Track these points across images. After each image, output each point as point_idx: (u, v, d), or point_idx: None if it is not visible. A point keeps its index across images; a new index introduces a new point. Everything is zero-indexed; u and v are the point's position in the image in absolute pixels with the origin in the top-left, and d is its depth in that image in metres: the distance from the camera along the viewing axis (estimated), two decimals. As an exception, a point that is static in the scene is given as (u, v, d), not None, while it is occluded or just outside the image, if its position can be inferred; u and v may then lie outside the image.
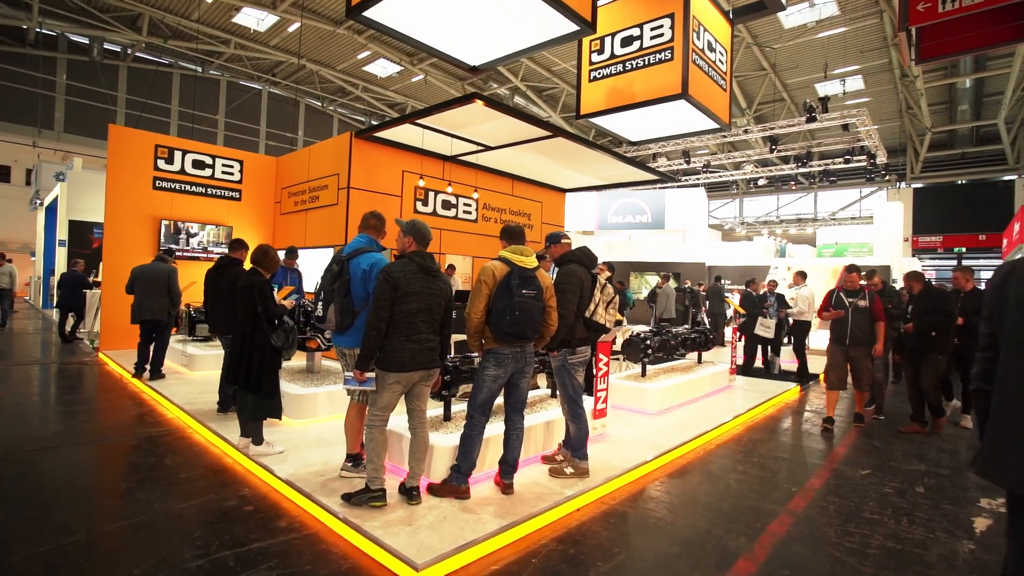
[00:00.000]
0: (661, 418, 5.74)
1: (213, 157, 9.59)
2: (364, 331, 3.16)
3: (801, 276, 8.94)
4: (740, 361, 8.83)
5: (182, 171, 9.21)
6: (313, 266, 8.54)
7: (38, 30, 19.13)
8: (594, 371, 4.82)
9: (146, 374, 6.73)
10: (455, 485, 3.47)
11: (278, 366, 4.22)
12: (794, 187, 20.16)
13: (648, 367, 6.56)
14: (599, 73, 8.75)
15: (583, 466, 3.93)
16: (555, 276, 4.00)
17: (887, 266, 16.14)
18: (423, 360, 3.28)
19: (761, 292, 9.10)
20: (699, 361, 7.68)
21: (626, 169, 10.66)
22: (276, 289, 4.94)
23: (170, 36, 21.05)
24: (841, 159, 19.10)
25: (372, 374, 3.26)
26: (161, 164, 9.00)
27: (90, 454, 4.37)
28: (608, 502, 3.70)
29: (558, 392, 4.03)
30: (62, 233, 13.51)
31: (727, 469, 4.43)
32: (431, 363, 3.34)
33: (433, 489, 3.52)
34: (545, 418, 4.47)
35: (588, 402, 4.88)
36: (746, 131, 16.87)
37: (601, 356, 4.79)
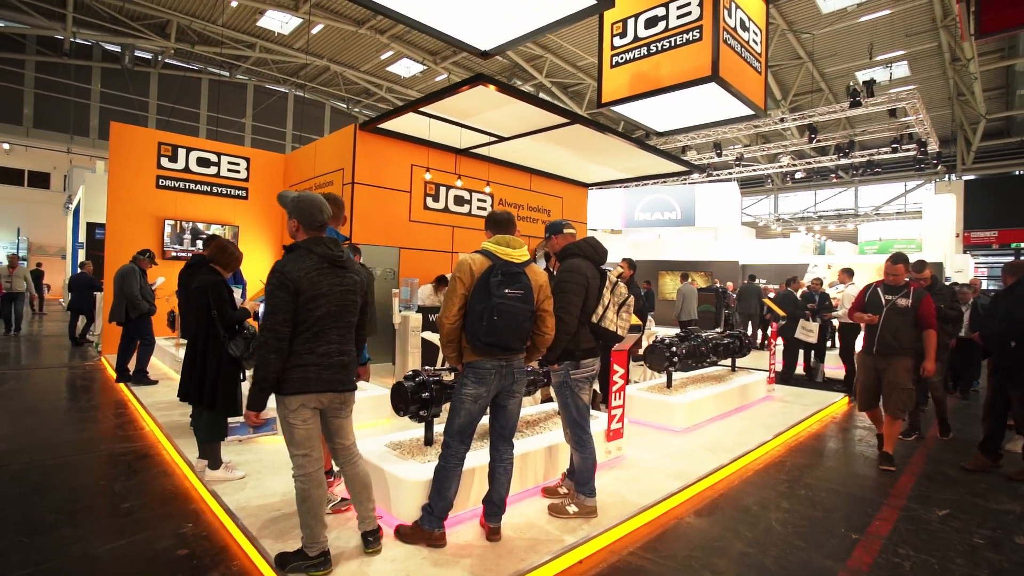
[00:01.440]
0: (688, 437, 4.94)
1: (218, 155, 9.18)
2: (258, 356, 2.36)
3: (847, 274, 7.96)
4: (779, 368, 7.91)
5: (186, 169, 8.82)
6: None
7: (73, 40, 19.35)
8: (608, 384, 4.07)
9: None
10: (426, 530, 2.78)
11: (237, 379, 3.61)
12: (835, 180, 18.76)
13: (675, 375, 5.76)
14: (622, 58, 8.00)
15: (589, 504, 3.20)
16: (555, 273, 3.28)
17: (939, 263, 14.80)
18: (332, 379, 2.45)
19: (803, 292, 8.15)
20: (733, 369, 6.81)
21: (652, 160, 9.83)
22: (241, 291, 4.34)
23: (197, 41, 21.10)
24: (886, 149, 17.72)
25: (271, 414, 2.57)
26: (165, 162, 8.63)
27: (35, 476, 3.85)
28: (619, 551, 2.95)
29: (560, 414, 3.31)
30: (81, 235, 13.44)
31: (768, 505, 3.62)
32: (344, 384, 2.52)
33: (402, 533, 2.84)
34: (548, 441, 3.74)
35: (599, 422, 4.13)
36: (782, 120, 15.71)
37: (616, 367, 4.04)
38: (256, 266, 8.59)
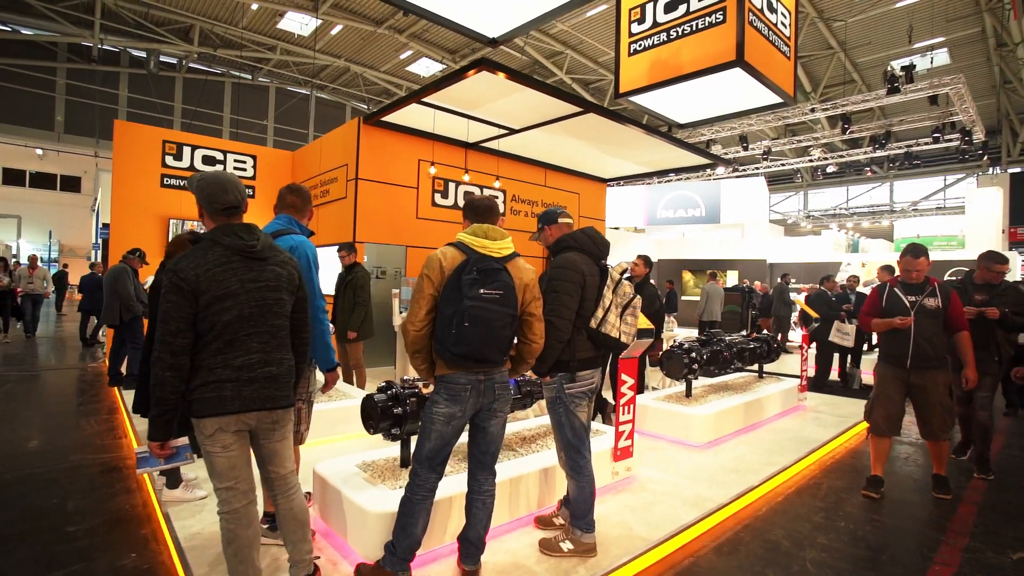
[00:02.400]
0: (709, 454, 4.38)
1: (224, 152, 8.93)
2: (152, 375, 1.90)
3: (887, 271, 7.24)
4: (812, 373, 7.24)
5: (192, 167, 8.59)
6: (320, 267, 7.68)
7: (100, 46, 19.61)
8: (614, 394, 3.56)
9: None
10: (389, 572, 2.33)
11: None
12: (870, 174, 17.67)
13: (695, 383, 5.21)
14: (640, 45, 7.44)
15: (587, 541, 2.69)
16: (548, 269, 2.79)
17: (985, 260, 13.75)
18: (256, 395, 2.00)
19: (838, 291, 7.46)
20: (760, 376, 6.20)
21: (673, 152, 9.23)
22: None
23: (220, 45, 21.19)
24: (926, 139, 16.64)
25: (181, 441, 2.13)
26: (169, 160, 8.40)
27: (-9, 491, 3.53)
28: (621, 601, 2.46)
29: (553, 435, 2.82)
30: (94, 236, 13.45)
31: (801, 540, 3.06)
32: (274, 400, 2.05)
33: (362, 573, 2.39)
34: (543, 462, 3.25)
35: (605, 439, 3.62)
36: (812, 110, 14.83)
37: (625, 377, 3.53)
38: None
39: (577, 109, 7.23)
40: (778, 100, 7.93)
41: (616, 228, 24.75)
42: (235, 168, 9.00)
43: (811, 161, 18.05)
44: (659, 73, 7.22)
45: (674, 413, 4.64)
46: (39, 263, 10.93)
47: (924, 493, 3.84)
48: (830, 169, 17.69)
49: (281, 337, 2.11)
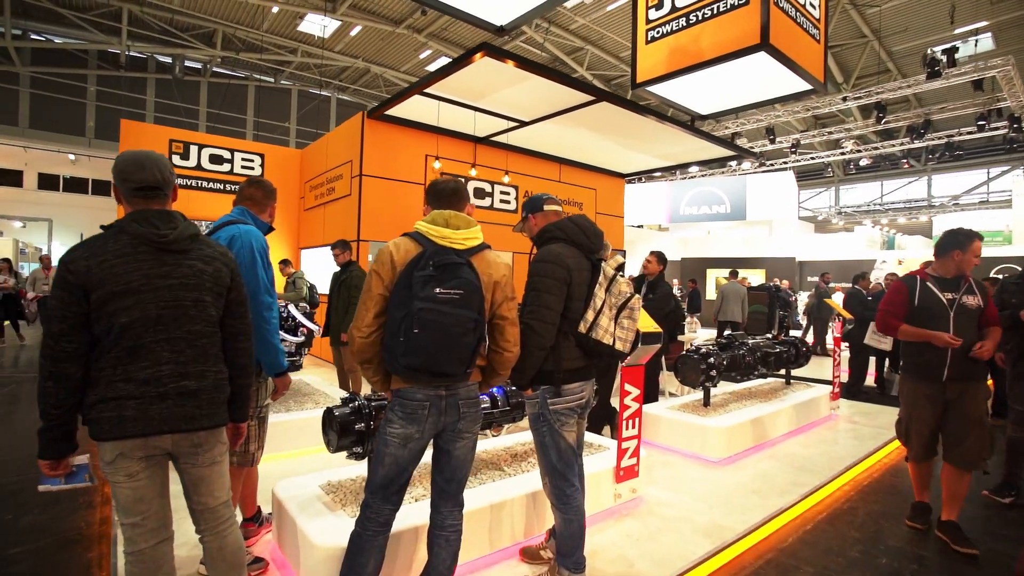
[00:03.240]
0: (728, 471, 3.90)
1: (232, 151, 8.76)
2: (39, 389, 1.58)
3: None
4: (845, 379, 6.65)
5: (198, 167, 8.44)
6: (320, 267, 7.41)
7: (128, 53, 19.92)
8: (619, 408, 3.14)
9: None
10: (335, 623, 1.96)
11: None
12: (907, 166, 16.64)
13: (715, 389, 4.73)
14: (658, 32, 7.01)
15: (575, 583, 2.29)
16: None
17: (1035, 257, 12.80)
18: (169, 415, 1.65)
19: (874, 290, 6.85)
20: (787, 382, 5.67)
21: (694, 144, 8.72)
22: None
23: (242, 48, 21.34)
24: (968, 128, 15.61)
25: (82, 459, 1.79)
26: (176, 160, 8.27)
27: (-51, 504, 3.30)
28: (613, 659, 2.04)
29: (537, 457, 2.40)
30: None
31: (835, 581, 2.59)
32: (192, 419, 1.70)
33: (308, 621, 2.04)
34: (532, 484, 2.84)
35: (604, 457, 3.19)
36: (844, 99, 13.99)
37: (629, 387, 3.10)
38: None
39: (588, 98, 6.80)
40: (807, 87, 7.38)
41: (639, 226, 24.11)
42: (243, 167, 8.82)
43: (843, 154, 17.13)
44: (678, 60, 6.79)
45: (689, 424, 4.18)
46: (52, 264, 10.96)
47: (981, 525, 3.30)
48: (863, 162, 16.74)
49: (202, 346, 1.73)
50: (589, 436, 3.61)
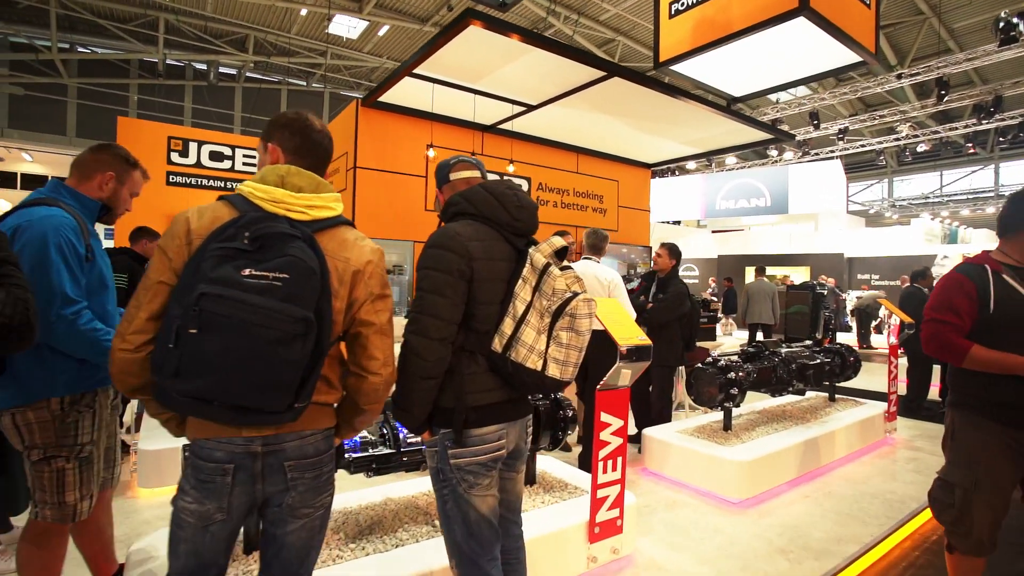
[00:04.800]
0: (749, 517, 3.05)
1: (232, 147, 8.36)
2: None
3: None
4: (903, 392, 5.58)
5: (198, 164, 8.06)
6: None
7: (166, 61, 20.31)
8: (592, 443, 2.35)
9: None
10: None
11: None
12: (971, 151, 14.83)
13: (736, 408, 3.86)
14: (682, 3, 6.20)
15: None
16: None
17: None
18: None
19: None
20: (831, 398, 4.70)
21: (726, 126, 7.75)
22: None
23: (273, 52, 21.49)
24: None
25: None
26: (175, 157, 7.91)
27: None
28: None
29: (442, 534, 1.65)
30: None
31: None
32: None
33: None
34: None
35: (573, 508, 2.40)
36: (899, 76, 12.51)
37: (607, 418, 2.32)
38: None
39: (598, 74, 5.99)
40: (856, 59, 6.38)
41: (677, 223, 22.85)
42: (244, 164, 8.41)
43: (897, 140, 15.49)
44: (706, 34, 5.97)
45: (702, 455, 3.33)
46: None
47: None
48: (920, 148, 15.06)
49: None
50: (557, 469, 2.84)
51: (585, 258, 3.86)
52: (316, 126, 1.39)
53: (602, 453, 2.30)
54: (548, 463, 2.96)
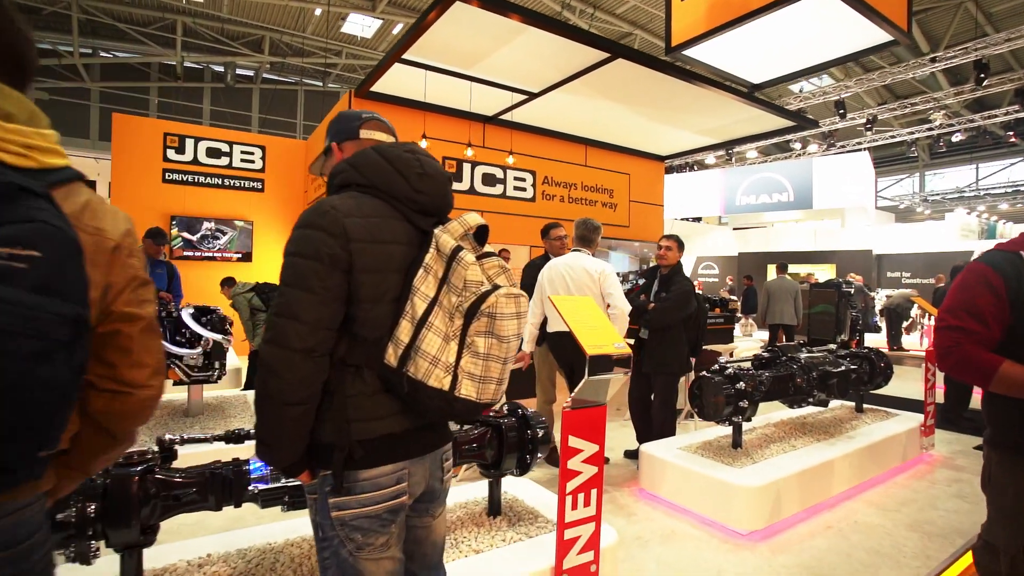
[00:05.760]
0: (759, 555, 2.57)
1: (230, 144, 8.14)
2: None
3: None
4: (941, 400, 4.99)
5: (195, 161, 7.85)
6: None
7: (183, 64, 20.47)
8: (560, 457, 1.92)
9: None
10: None
11: None
12: (1013, 139, 13.78)
13: (747, 422, 3.38)
14: None
15: None
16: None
17: None
18: None
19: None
20: (859, 409, 4.17)
21: (743, 113, 7.23)
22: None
23: (289, 53, 21.48)
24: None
25: None
26: (171, 154, 7.71)
27: None
28: None
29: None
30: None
31: None
32: None
33: None
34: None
35: (535, 551, 1.97)
36: (934, 60, 11.69)
37: (577, 442, 1.88)
38: (273, 266, 7.38)
39: (602, 55, 5.54)
40: (886, 38, 5.82)
41: (698, 220, 22.10)
42: (242, 160, 8.17)
43: (930, 130, 14.56)
44: (721, 14, 5.49)
45: (706, 478, 2.87)
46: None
47: None
48: (956, 138, 14.12)
49: None
50: (531, 496, 2.41)
51: (574, 251, 3.42)
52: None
53: (571, 485, 1.86)
54: (522, 488, 2.54)
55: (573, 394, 1.87)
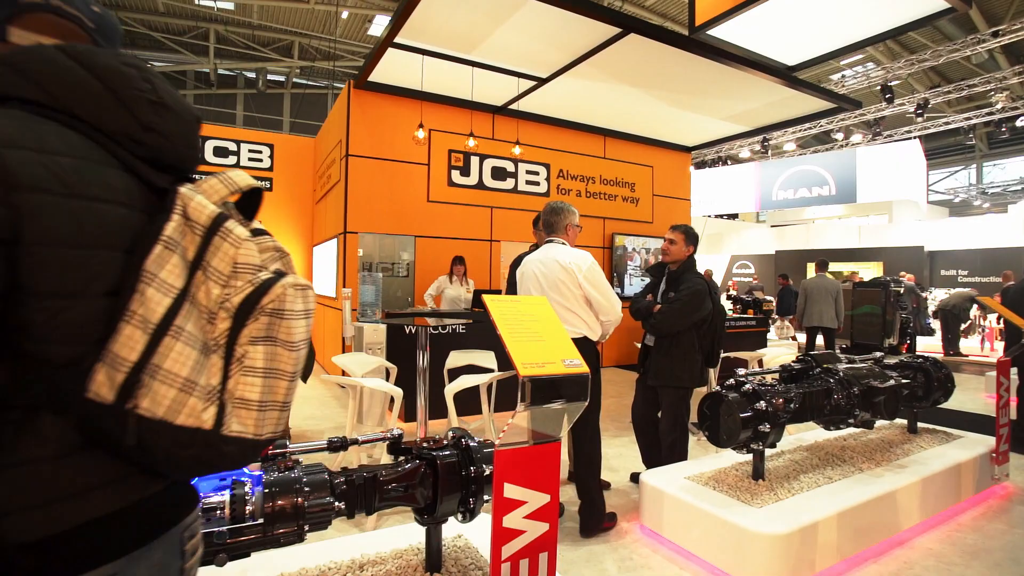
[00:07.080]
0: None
1: (237, 142, 7.96)
2: None
3: None
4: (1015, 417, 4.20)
5: (202, 160, 7.67)
6: (322, 267, 6.25)
7: (217, 71, 20.88)
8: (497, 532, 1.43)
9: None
10: None
11: None
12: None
13: (771, 448, 2.79)
14: None
15: None
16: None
17: None
18: None
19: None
20: (911, 430, 3.49)
21: (776, 94, 6.57)
22: None
23: (318, 57, 21.69)
24: None
25: None
26: (178, 153, 7.55)
27: None
28: None
29: None
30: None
31: None
32: None
33: None
34: None
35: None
36: (996, 34, 10.53)
37: (517, 492, 1.38)
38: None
39: (613, 30, 4.99)
40: (941, 6, 5.14)
41: (734, 216, 21.05)
42: (250, 159, 7.97)
43: (990, 115, 13.25)
44: None
45: (716, 520, 2.31)
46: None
47: None
48: (1021, 122, 12.77)
49: None
50: (477, 549, 1.91)
51: (547, 242, 2.86)
52: None
53: (508, 550, 1.36)
54: (477, 528, 2.04)
55: (508, 423, 1.37)
